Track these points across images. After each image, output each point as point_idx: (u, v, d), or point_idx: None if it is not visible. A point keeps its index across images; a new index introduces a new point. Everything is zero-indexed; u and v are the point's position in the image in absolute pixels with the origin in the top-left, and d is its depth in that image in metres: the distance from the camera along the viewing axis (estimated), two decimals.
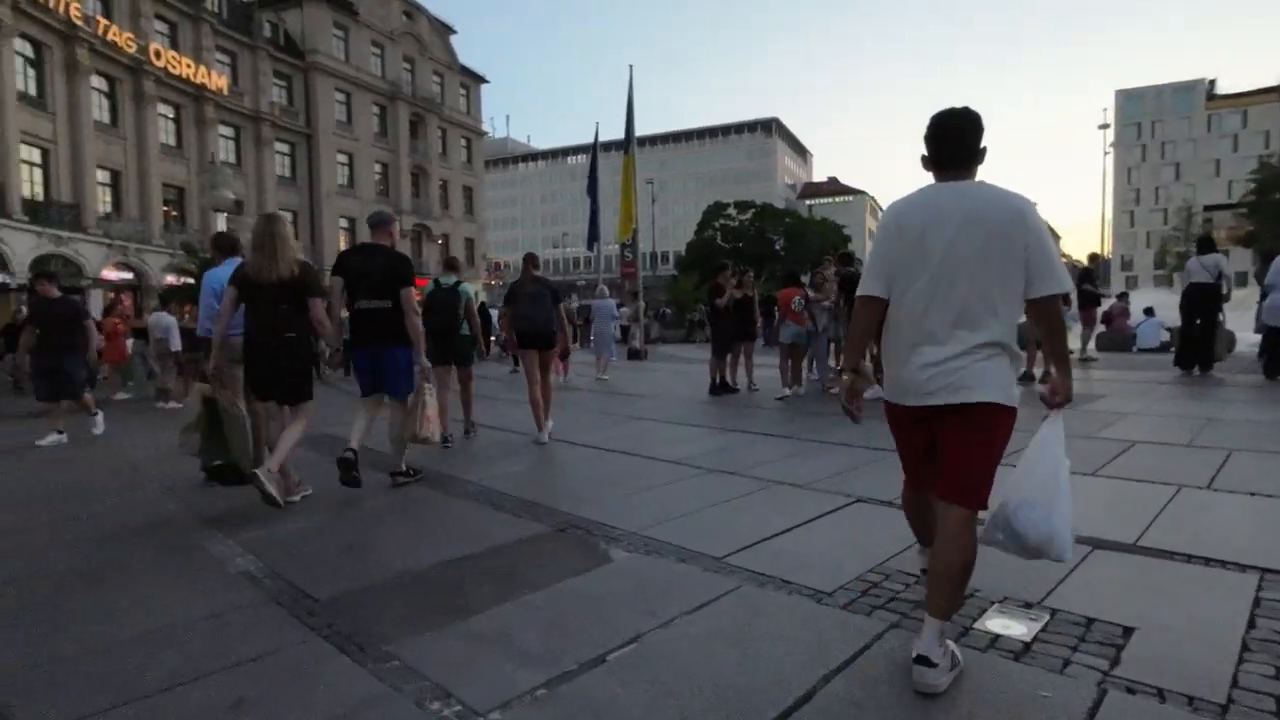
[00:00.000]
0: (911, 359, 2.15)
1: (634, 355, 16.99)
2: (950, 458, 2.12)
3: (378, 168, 41.72)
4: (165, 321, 10.52)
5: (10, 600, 2.88)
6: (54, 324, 7.02)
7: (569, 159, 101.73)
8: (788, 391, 8.48)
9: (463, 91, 49.06)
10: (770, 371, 10.06)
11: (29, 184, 24.23)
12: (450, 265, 6.91)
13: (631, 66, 17.22)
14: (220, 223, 13.30)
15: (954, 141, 2.19)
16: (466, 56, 49.61)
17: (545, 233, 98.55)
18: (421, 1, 44.91)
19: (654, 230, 62.36)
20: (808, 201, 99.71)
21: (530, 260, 6.60)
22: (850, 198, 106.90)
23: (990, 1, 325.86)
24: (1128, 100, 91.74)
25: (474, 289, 7.37)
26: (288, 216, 36.66)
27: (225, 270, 5.00)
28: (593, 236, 20.34)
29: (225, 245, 5.06)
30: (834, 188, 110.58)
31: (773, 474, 4.62)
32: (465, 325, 6.34)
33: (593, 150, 20.00)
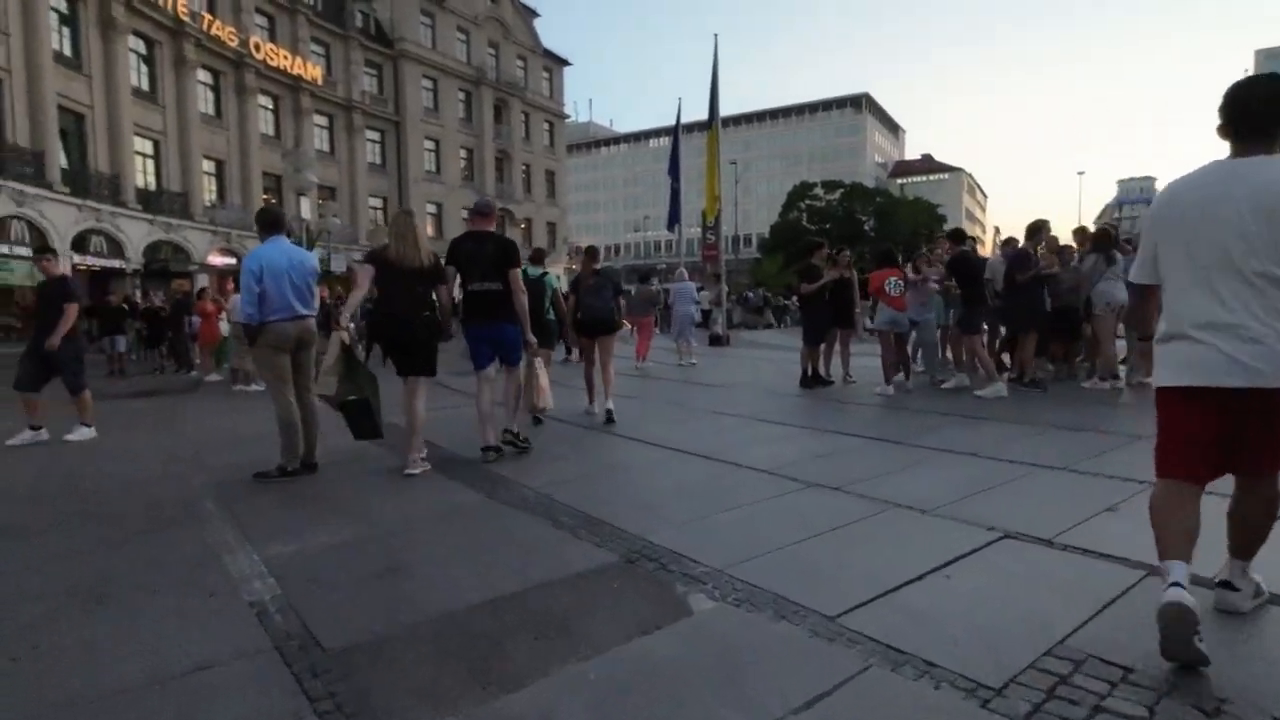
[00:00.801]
0: (1208, 339, 2.04)
1: (716, 341, 16.23)
2: (1267, 437, 2.07)
3: (463, 153, 42.30)
4: None
5: None
6: (46, 304, 6.24)
7: (651, 141, 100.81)
8: (890, 387, 7.53)
9: (545, 75, 49.07)
10: (866, 360, 9.11)
11: (142, 174, 25.68)
12: (536, 258, 7.23)
13: (716, 35, 16.28)
14: (304, 207, 13.38)
15: (1255, 113, 2.06)
16: (549, 39, 49.55)
17: (626, 216, 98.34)
18: None
19: (736, 213, 60.73)
20: (899, 180, 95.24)
21: (590, 254, 7.03)
22: (945, 175, 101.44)
23: None
24: (1268, 59, 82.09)
25: (557, 274, 7.58)
26: (378, 202, 37.80)
27: (268, 249, 4.63)
28: (674, 218, 19.60)
29: (269, 221, 4.68)
30: (928, 165, 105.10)
31: (887, 492, 3.82)
32: (551, 311, 6.76)
33: (675, 127, 19.20)
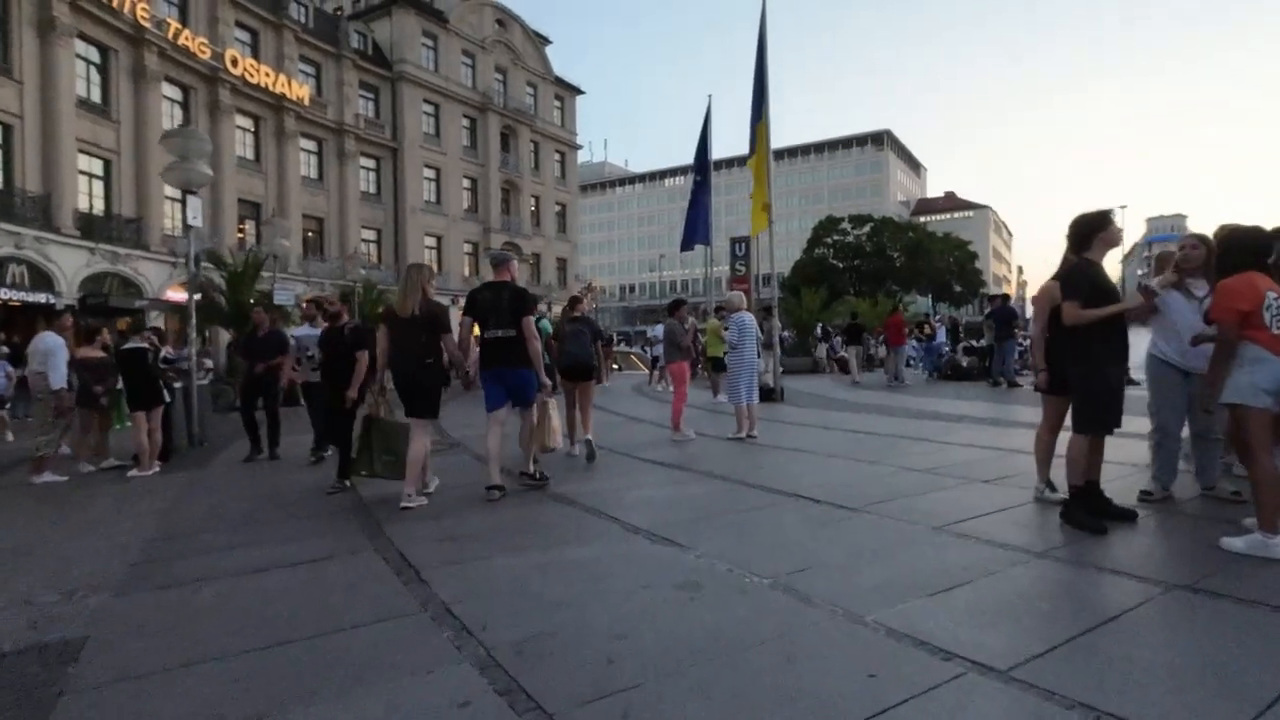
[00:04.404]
0: None
1: (766, 395, 12.03)
2: None
3: (466, 182, 39.12)
4: (48, 344, 6.64)
5: None
6: None
7: (666, 180, 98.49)
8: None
9: (557, 104, 46.24)
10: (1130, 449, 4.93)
11: (86, 196, 22.28)
12: None
13: (764, 1, 12.59)
14: (191, 212, 9.80)
15: None
16: (563, 73, 46.84)
17: (642, 255, 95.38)
18: (517, 11, 42.52)
19: (756, 250, 57.08)
20: (922, 218, 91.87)
21: (572, 303, 7.27)
22: (970, 213, 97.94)
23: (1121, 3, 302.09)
24: None
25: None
26: (371, 234, 34.45)
27: None
28: (693, 237, 15.65)
29: None
30: (951, 203, 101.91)
31: None
32: (545, 355, 6.34)
33: (704, 123, 15.46)
